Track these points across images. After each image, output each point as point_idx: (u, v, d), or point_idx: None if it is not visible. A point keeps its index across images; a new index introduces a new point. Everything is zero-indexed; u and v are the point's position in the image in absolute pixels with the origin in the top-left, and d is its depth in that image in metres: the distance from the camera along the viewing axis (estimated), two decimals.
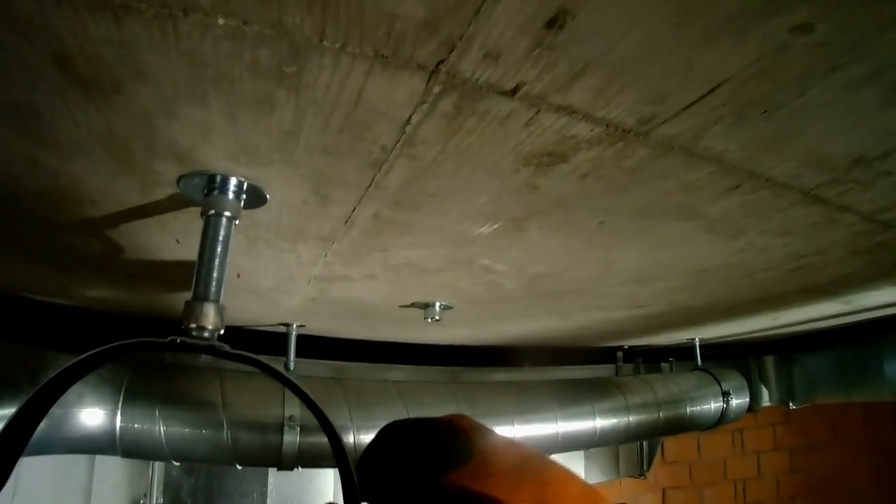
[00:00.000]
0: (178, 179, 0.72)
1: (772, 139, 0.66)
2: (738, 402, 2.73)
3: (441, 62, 0.51)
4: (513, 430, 2.08)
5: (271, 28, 0.47)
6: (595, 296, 1.51)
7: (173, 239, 1.00)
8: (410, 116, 0.60)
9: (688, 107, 0.59)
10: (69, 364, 0.66)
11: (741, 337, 2.82)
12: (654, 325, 2.17)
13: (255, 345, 2.10)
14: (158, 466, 2.27)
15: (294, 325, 1.81)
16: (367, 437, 1.79)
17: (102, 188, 0.78)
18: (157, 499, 2.25)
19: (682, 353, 2.91)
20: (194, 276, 0.72)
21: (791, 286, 1.50)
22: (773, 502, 5.55)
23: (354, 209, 0.81)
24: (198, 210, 0.74)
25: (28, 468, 1.94)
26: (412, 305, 1.47)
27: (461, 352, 2.50)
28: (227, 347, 0.68)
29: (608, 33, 0.48)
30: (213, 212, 0.72)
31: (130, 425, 1.64)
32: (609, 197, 0.81)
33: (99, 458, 2.15)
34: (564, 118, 0.60)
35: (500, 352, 2.63)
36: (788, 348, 2.95)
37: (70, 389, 1.59)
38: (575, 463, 3.16)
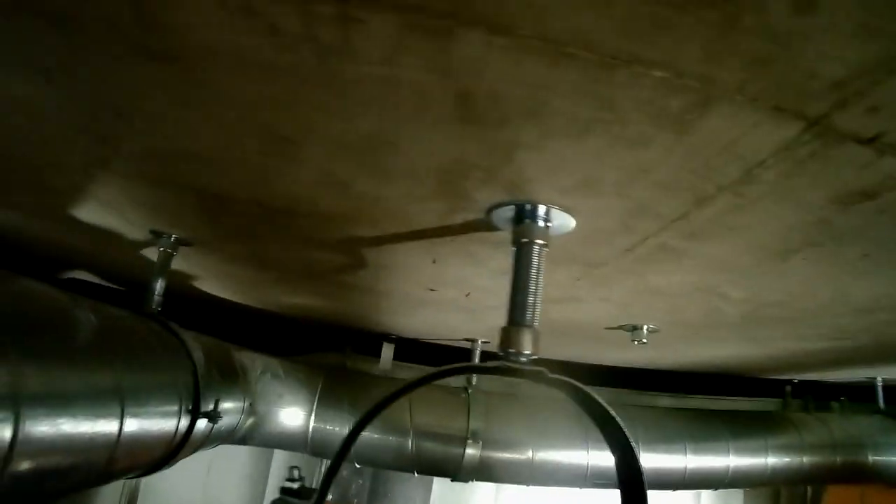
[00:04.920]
0: (492, 207, 0.76)
1: None
2: None
3: (824, 115, 0.52)
4: (685, 460, 2.00)
5: (698, 81, 0.49)
6: (807, 325, 1.44)
7: (430, 260, 1.05)
8: (765, 160, 0.60)
9: None
10: (402, 387, 0.72)
11: None
12: (845, 358, 2.02)
13: (433, 356, 2.18)
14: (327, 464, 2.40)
15: (479, 342, 1.86)
16: (535, 455, 1.81)
17: (400, 210, 0.84)
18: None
19: (854, 393, 2.67)
20: (509, 302, 0.76)
21: None
22: None
23: (647, 239, 0.82)
24: (483, 235, 0.78)
25: (223, 451, 2.12)
26: (619, 328, 1.46)
27: (626, 374, 2.46)
28: (547, 373, 0.71)
29: None
30: (525, 239, 0.75)
31: (323, 426, 1.77)
32: (884, 231, 0.78)
33: (277, 452, 2.30)
34: None
35: (666, 376, 2.56)
36: None
37: (273, 387, 1.72)
38: (732, 500, 2.99)
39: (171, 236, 1.19)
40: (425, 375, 0.73)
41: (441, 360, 2.05)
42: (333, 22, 0.46)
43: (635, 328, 1.42)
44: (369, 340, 2.11)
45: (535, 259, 0.75)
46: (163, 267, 1.22)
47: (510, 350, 0.74)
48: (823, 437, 2.29)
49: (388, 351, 2.06)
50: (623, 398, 2.46)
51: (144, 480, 1.82)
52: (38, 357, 0.64)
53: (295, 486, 1.48)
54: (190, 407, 1.06)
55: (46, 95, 0.66)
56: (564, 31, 0.45)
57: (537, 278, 0.76)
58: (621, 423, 0.71)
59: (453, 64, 0.50)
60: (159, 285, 1.23)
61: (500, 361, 0.73)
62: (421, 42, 0.48)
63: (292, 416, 1.76)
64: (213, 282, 1.78)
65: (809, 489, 3.23)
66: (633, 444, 0.72)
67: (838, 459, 2.27)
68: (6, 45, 0.57)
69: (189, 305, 1.96)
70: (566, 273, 1.04)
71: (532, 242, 0.75)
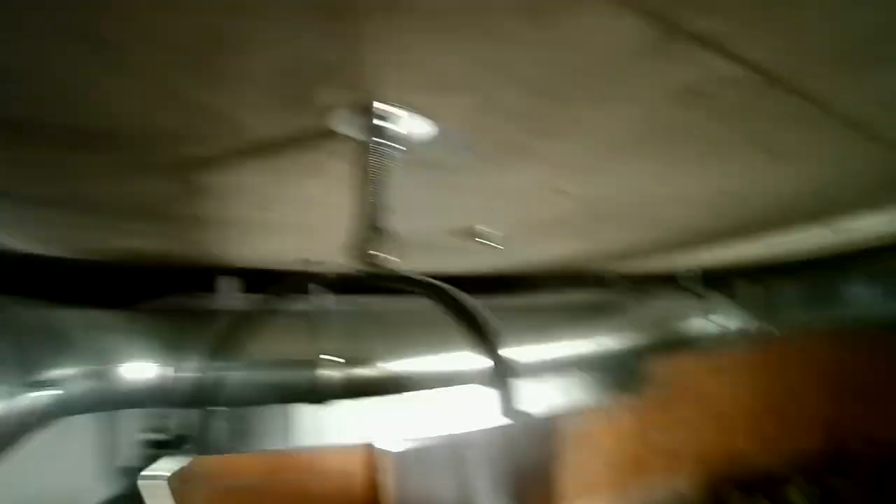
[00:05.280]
0: (337, 112, 0.72)
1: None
2: (728, 324, 2.96)
3: (668, 11, 0.56)
4: (531, 351, 2.18)
5: None
6: (632, 217, 1.59)
7: (273, 177, 0.98)
8: (613, 57, 0.63)
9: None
10: (250, 312, 0.67)
11: (730, 264, 3.03)
12: (663, 247, 2.30)
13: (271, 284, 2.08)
14: (185, 415, 2.26)
15: (328, 262, 1.79)
16: (395, 366, 1.85)
17: (236, 122, 0.76)
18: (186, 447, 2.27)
19: (673, 280, 3.10)
20: (363, 211, 0.73)
21: (798, 210, 1.63)
22: (739, 417, 6.16)
23: (499, 138, 0.83)
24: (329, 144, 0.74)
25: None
26: (469, 233, 1.50)
27: (474, 282, 2.58)
28: (414, 275, 0.71)
29: None
30: (375, 144, 0.71)
31: (175, 375, 1.63)
32: (712, 127, 0.87)
33: (124, 414, 2.11)
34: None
35: (509, 280, 2.74)
36: (770, 275, 3.17)
37: (112, 344, 1.56)
38: (575, 384, 3.36)
39: None
40: (274, 296, 0.68)
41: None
42: None
43: (481, 232, 1.46)
44: (213, 277, 1.97)
45: (386, 164, 0.72)
46: None
47: (369, 259, 0.72)
48: (646, 318, 2.66)
49: (232, 285, 1.93)
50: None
51: None
52: None
53: (163, 437, 1.35)
54: (20, 382, 0.92)
55: None
56: None
57: (389, 184, 0.73)
58: (489, 321, 0.73)
59: None
60: None
61: (363, 271, 0.71)
62: None
63: (139, 370, 1.59)
64: (25, 236, 1.52)
65: (639, 365, 3.75)
66: (498, 341, 0.75)
67: (659, 335, 2.66)
68: None
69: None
70: (411, 178, 1.03)
71: (382, 146, 0.72)
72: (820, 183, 1.31)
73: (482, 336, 0.75)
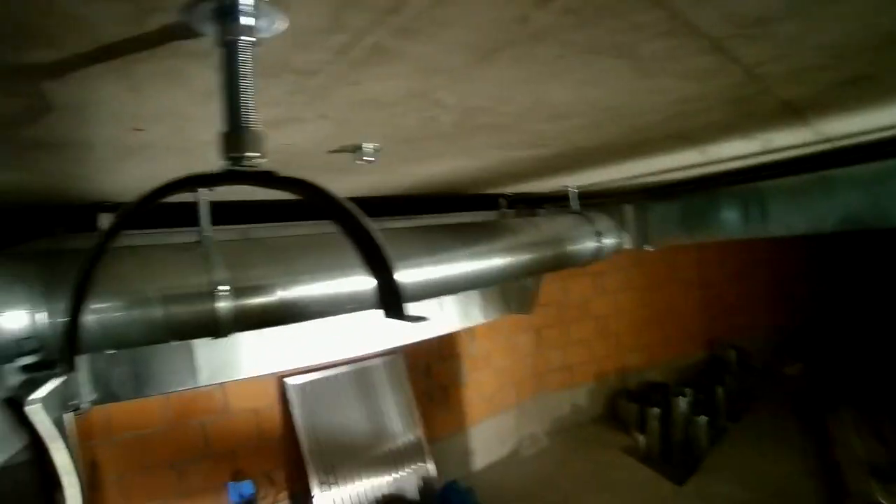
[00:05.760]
0: (189, 5, 0.69)
1: None
2: (610, 241, 3.19)
3: None
4: (424, 272, 2.24)
5: None
6: (512, 132, 1.65)
7: (127, 86, 0.93)
8: None
9: None
10: (123, 211, 0.66)
11: (608, 186, 3.21)
12: (545, 167, 2.40)
13: (161, 217, 1.99)
14: (84, 363, 2.16)
15: (204, 191, 1.73)
16: (290, 293, 1.85)
17: (79, 18, 0.71)
18: (88, 397, 2.17)
19: (556, 201, 3.27)
20: (225, 109, 0.72)
21: (668, 131, 1.76)
22: (626, 333, 6.87)
23: (361, 37, 0.82)
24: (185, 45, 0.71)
25: None
26: (341, 150, 1.49)
27: (360, 204, 2.58)
28: (277, 173, 0.71)
29: None
30: (231, 37, 0.70)
31: (55, 320, 1.53)
32: (576, 32, 0.91)
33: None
34: None
35: (396, 202, 2.76)
36: (645, 198, 3.43)
37: None
38: (472, 302, 3.51)
39: None
40: (139, 200, 0.66)
41: (173, 218, 1.89)
42: None
43: (358, 148, 1.46)
44: (86, 214, 1.84)
45: (245, 58, 0.71)
46: None
47: (233, 155, 0.71)
48: (534, 237, 2.80)
49: (105, 220, 1.82)
50: None
51: None
52: None
53: (34, 358, 1.26)
54: None
55: None
56: None
57: (249, 78, 0.72)
58: (357, 213, 0.75)
59: None
60: None
61: (225, 168, 0.70)
62: None
63: (11, 319, 1.49)
64: None
65: (531, 284, 3.96)
66: (375, 233, 0.77)
67: (548, 253, 2.82)
68: None
69: None
70: (280, 87, 1.01)
71: (239, 40, 0.70)
72: (687, 103, 1.41)
73: (353, 230, 0.77)
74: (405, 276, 2.16)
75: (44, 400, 1.19)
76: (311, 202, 0.77)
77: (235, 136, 0.71)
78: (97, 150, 1.29)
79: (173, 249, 1.74)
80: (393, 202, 2.85)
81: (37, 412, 1.15)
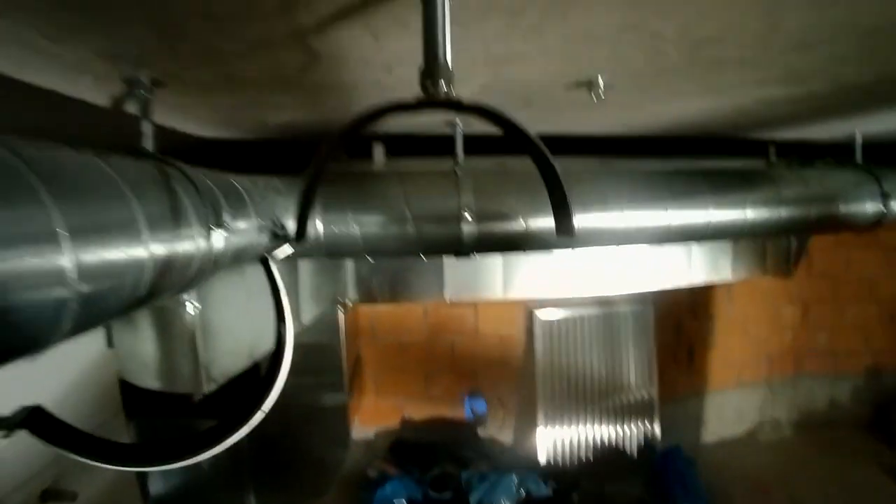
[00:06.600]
0: None
1: None
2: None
3: None
4: (667, 216, 2.17)
5: None
6: (755, 66, 1.48)
7: (370, 35, 1.12)
8: None
9: None
10: (339, 132, 0.84)
11: None
12: (813, 109, 2.06)
13: (418, 147, 2.28)
14: (350, 268, 2.69)
15: (460, 124, 1.95)
16: (534, 222, 1.97)
17: None
18: (352, 296, 2.72)
19: (840, 152, 2.73)
20: (424, 43, 0.84)
21: None
22: None
23: None
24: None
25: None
26: (575, 85, 1.52)
27: (613, 143, 2.55)
28: (464, 101, 0.82)
29: None
30: None
31: (331, 229, 1.93)
32: None
33: (300, 263, 2.53)
34: None
35: (651, 142, 2.65)
36: None
37: (278, 202, 1.87)
38: (722, 257, 3.23)
39: (141, 79, 1.30)
40: (349, 126, 0.84)
41: (431, 148, 2.14)
42: None
43: (590, 83, 1.48)
44: (361, 144, 2.22)
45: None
46: (145, 112, 1.33)
47: (429, 86, 0.84)
48: (800, 192, 2.43)
49: (378, 150, 2.18)
50: (612, 165, 2.59)
51: None
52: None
53: (284, 233, 1.70)
54: (208, 226, 1.18)
55: None
56: None
57: (445, 12, 0.83)
58: (529, 134, 0.82)
59: None
60: (146, 128, 1.34)
61: (420, 97, 0.83)
62: None
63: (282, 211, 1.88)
64: (198, 121, 1.86)
65: (794, 241, 3.44)
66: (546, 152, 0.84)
67: (813, 212, 2.43)
68: None
69: (182, 156, 2.11)
70: (494, 26, 1.10)
71: None
72: None
73: (538, 160, 0.85)
74: (639, 217, 2.11)
75: (279, 260, 1.63)
76: (494, 125, 0.86)
77: (431, 70, 0.84)
78: (360, 90, 1.56)
79: (431, 176, 2.02)
80: (650, 142, 2.73)
81: (274, 267, 1.60)
